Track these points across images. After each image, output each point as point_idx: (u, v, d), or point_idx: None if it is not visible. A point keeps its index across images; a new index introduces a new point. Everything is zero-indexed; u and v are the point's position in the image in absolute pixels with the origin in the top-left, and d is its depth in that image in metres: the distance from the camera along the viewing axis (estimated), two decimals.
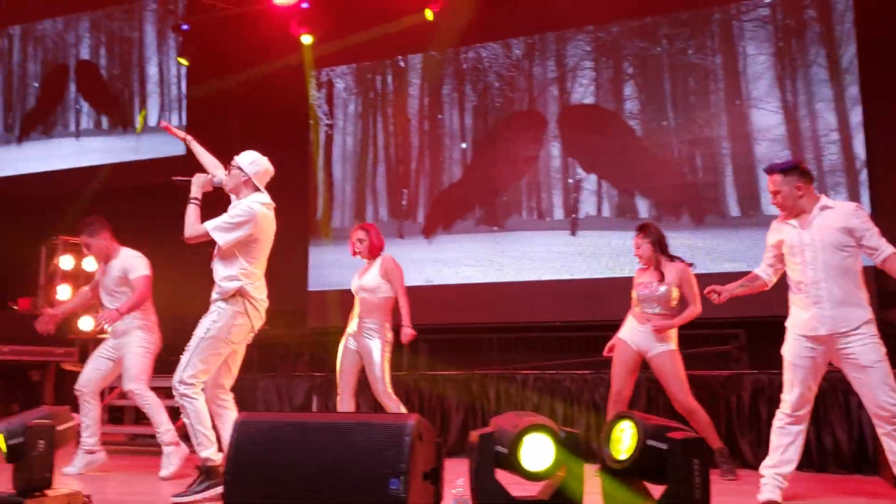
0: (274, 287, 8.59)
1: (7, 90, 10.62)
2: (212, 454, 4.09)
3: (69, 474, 5.02)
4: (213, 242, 4.13)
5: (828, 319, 3.65)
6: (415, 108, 8.58)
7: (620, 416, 3.11)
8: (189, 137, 4.74)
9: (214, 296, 4.16)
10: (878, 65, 6.81)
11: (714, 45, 7.42)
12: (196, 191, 4.16)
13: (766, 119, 7.08)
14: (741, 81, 7.24)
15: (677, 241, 7.05)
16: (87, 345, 8.20)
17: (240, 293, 4.11)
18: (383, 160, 8.67)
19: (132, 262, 5.17)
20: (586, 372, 5.88)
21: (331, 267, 8.42)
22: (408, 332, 5.01)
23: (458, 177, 8.26)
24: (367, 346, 4.98)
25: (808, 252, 3.71)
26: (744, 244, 6.95)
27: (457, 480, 3.42)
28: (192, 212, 4.11)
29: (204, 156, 4.69)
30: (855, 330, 3.63)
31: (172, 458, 4.96)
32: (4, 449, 3.63)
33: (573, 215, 7.66)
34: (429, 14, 7.73)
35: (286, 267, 8.75)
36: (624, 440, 3.05)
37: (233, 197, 4.32)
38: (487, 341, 7.61)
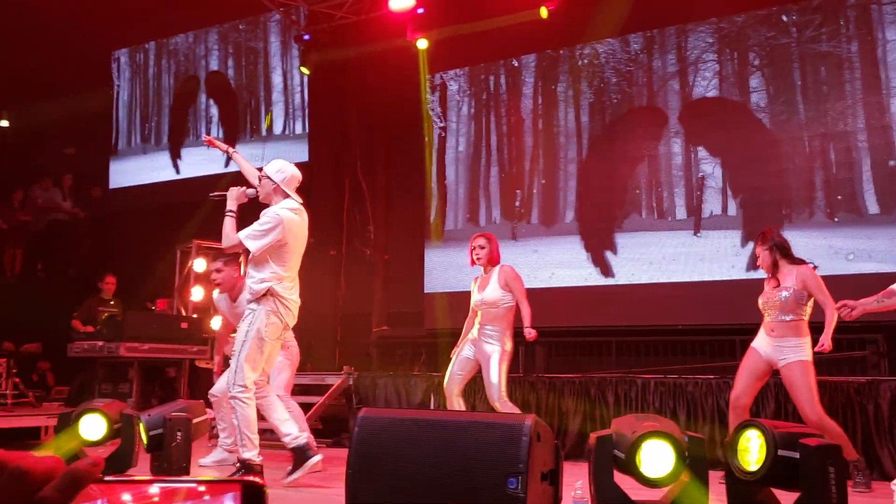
0: (393, 290, 8.88)
1: (144, 102, 11.32)
2: (253, 456, 4.31)
3: (204, 465, 5.29)
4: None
5: None
6: (528, 108, 8.51)
7: (746, 425, 2.97)
8: (232, 150, 4.92)
9: (248, 298, 4.38)
10: None
11: (849, 32, 6.98)
12: (231, 203, 4.37)
13: None
14: (880, 70, 6.78)
15: (809, 241, 6.70)
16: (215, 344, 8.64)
17: (270, 294, 4.28)
18: (496, 161, 8.64)
19: None
20: (711, 377, 5.69)
21: (445, 269, 8.49)
22: (531, 332, 5.03)
23: (573, 176, 8.12)
24: (486, 352, 5.00)
25: None
26: (882, 244, 6.52)
27: (576, 483, 3.37)
28: (228, 223, 4.32)
29: (248, 168, 4.85)
30: None
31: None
32: (145, 439, 3.88)
33: (696, 214, 7.38)
34: (543, 12, 7.67)
35: (405, 270, 8.95)
36: (752, 450, 2.91)
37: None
38: (606, 345, 7.47)
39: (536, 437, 2.89)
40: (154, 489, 0.56)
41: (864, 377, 5.33)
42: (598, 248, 7.79)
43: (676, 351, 7.09)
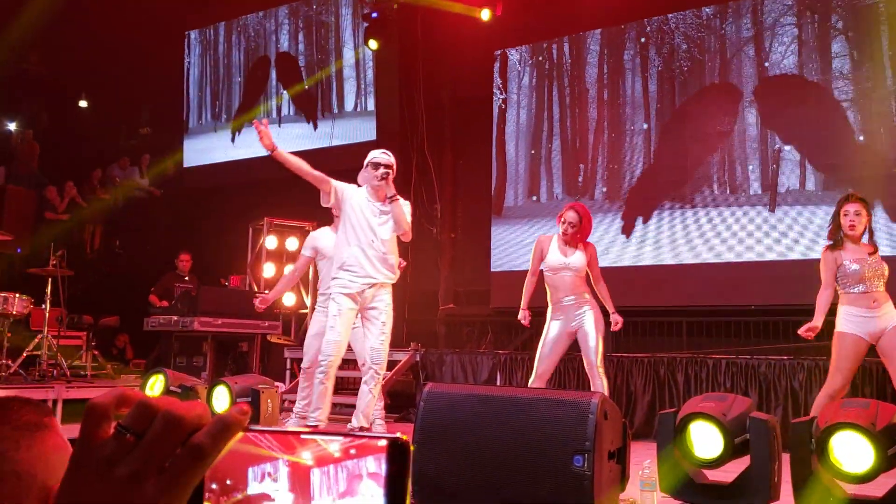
0: (459, 268, 8.88)
1: (214, 79, 11.50)
2: None
3: None
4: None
5: None
6: (593, 77, 8.22)
7: (840, 426, 2.69)
8: (277, 148, 4.58)
9: (385, 280, 4.64)
10: None
11: None
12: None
13: None
14: None
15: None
16: (290, 319, 8.83)
17: None
18: (558, 134, 8.36)
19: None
20: (785, 357, 5.53)
21: (508, 246, 8.42)
22: (618, 319, 5.06)
23: (640, 150, 7.84)
24: (584, 320, 4.94)
25: None
26: None
27: (644, 462, 3.33)
28: (406, 208, 4.64)
29: (295, 163, 4.63)
30: None
31: (384, 427, 5.40)
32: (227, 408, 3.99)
33: (772, 189, 7.11)
34: None
35: (471, 248, 8.95)
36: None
37: (371, 194, 4.67)
38: (676, 325, 7.32)
39: (604, 415, 2.86)
40: (311, 442, 0.57)
41: None
42: (668, 225, 7.60)
43: (749, 332, 6.90)
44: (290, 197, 9.65)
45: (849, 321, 4.36)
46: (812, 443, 2.68)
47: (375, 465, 0.55)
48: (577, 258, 5.01)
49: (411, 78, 9.27)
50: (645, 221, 7.71)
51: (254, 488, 0.57)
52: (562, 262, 5.02)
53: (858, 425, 2.56)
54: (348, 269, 4.59)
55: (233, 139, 10.92)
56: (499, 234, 8.50)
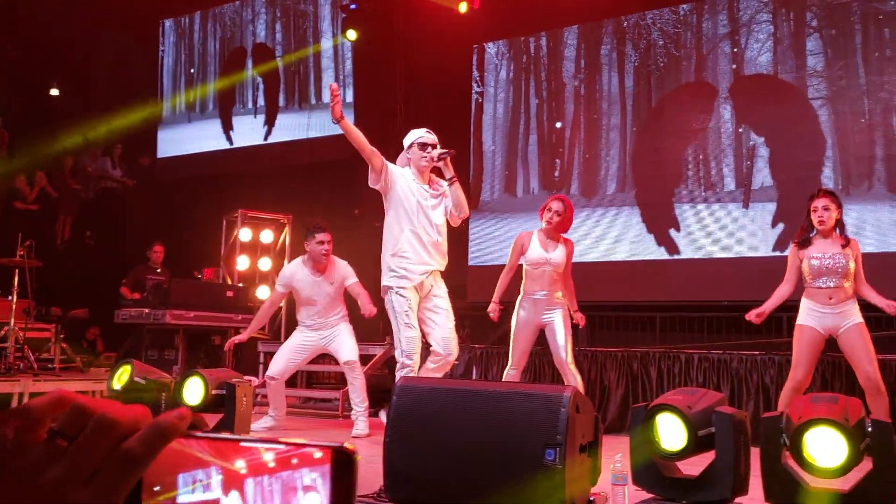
0: None
1: (189, 70, 11.36)
2: None
3: (256, 431, 5.44)
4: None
5: None
6: (570, 71, 8.23)
7: (815, 422, 2.68)
8: (344, 118, 4.40)
9: (439, 267, 4.43)
10: None
11: None
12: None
13: None
14: None
15: (868, 216, 6.47)
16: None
17: None
18: (535, 128, 8.36)
19: (350, 270, 5.67)
20: (756, 353, 5.59)
21: (485, 240, 8.41)
22: (579, 317, 5.15)
23: (616, 145, 7.87)
24: (553, 318, 5.02)
25: None
26: None
27: (615, 456, 3.33)
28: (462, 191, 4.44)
29: (357, 137, 4.46)
30: None
31: (366, 424, 5.41)
32: (201, 398, 3.95)
33: (746, 186, 7.16)
34: None
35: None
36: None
37: (417, 177, 4.43)
38: (651, 320, 7.36)
39: (576, 408, 2.85)
40: (251, 450, 0.54)
41: None
42: (643, 220, 7.64)
43: (722, 327, 6.96)
44: (266, 189, 9.60)
45: (806, 314, 4.48)
46: (783, 438, 2.69)
47: (311, 478, 0.51)
48: (559, 253, 5.06)
49: (390, 70, 9.21)
50: (620, 217, 7.74)
51: (184, 496, 0.54)
52: (543, 256, 5.06)
53: (834, 421, 2.57)
54: (403, 256, 4.33)
55: (227, 133, 10.76)
56: (476, 228, 8.48)
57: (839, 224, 4.50)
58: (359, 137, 4.32)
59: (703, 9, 7.53)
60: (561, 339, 5.02)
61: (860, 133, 6.70)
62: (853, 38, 6.81)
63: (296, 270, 5.61)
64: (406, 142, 4.43)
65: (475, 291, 8.21)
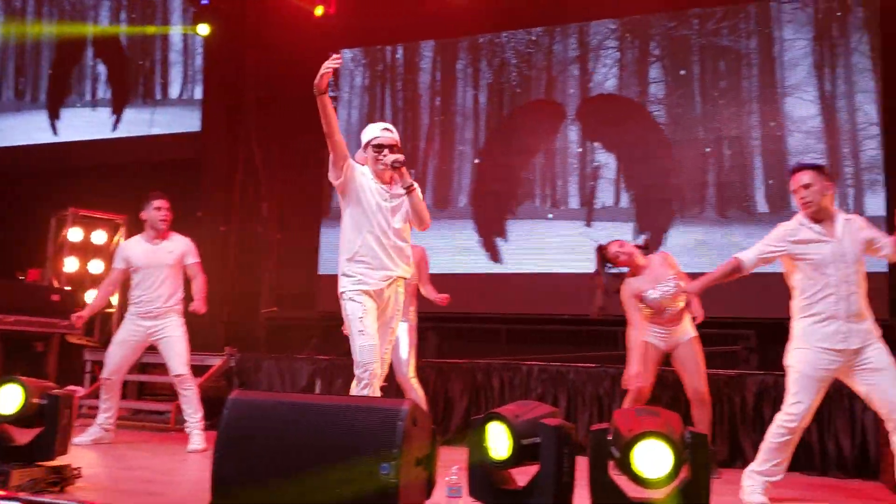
0: (285, 270, 8.63)
1: (19, 53, 10.49)
2: None
3: (80, 444, 5.13)
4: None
5: (861, 332, 3.67)
6: (426, 83, 8.30)
7: (646, 434, 2.79)
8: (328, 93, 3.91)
9: (402, 273, 4.04)
10: None
11: (749, 28, 7.10)
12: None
13: (802, 109, 6.78)
14: (776, 67, 6.94)
15: (698, 236, 6.91)
16: (93, 318, 8.20)
17: None
18: None
19: (193, 247, 5.43)
20: (591, 365, 5.82)
21: (335, 250, 8.26)
22: (441, 297, 5.11)
23: (468, 158, 8.02)
24: (399, 331, 4.85)
25: (842, 265, 3.70)
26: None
27: (452, 468, 3.34)
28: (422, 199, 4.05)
29: (332, 116, 3.97)
30: (874, 339, 3.70)
31: (202, 439, 5.18)
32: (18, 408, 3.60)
33: (589, 205, 7.47)
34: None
35: (298, 250, 8.72)
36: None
37: (376, 177, 4.06)
38: (495, 332, 7.51)
39: (413, 422, 2.83)
40: None
41: (733, 371, 5.56)
42: (492, 234, 7.80)
43: (562, 340, 7.20)
44: (100, 187, 9.00)
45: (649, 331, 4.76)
46: (610, 449, 2.78)
47: None
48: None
49: (242, 69, 8.93)
50: (471, 229, 7.86)
51: None
52: None
53: (662, 433, 2.70)
54: (361, 261, 3.95)
55: (52, 125, 9.99)
56: (327, 235, 8.35)
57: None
58: (333, 119, 3.87)
59: (555, 32, 7.81)
60: (404, 354, 5.02)
61: (694, 160, 7.15)
62: (691, 69, 7.29)
63: (133, 242, 5.44)
64: (363, 139, 4.06)
65: (325, 301, 8.07)
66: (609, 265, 4.85)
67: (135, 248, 5.39)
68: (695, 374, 4.63)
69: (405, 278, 4.05)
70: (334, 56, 3.74)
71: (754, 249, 3.91)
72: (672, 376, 5.10)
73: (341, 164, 3.94)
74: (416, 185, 3.99)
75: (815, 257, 3.72)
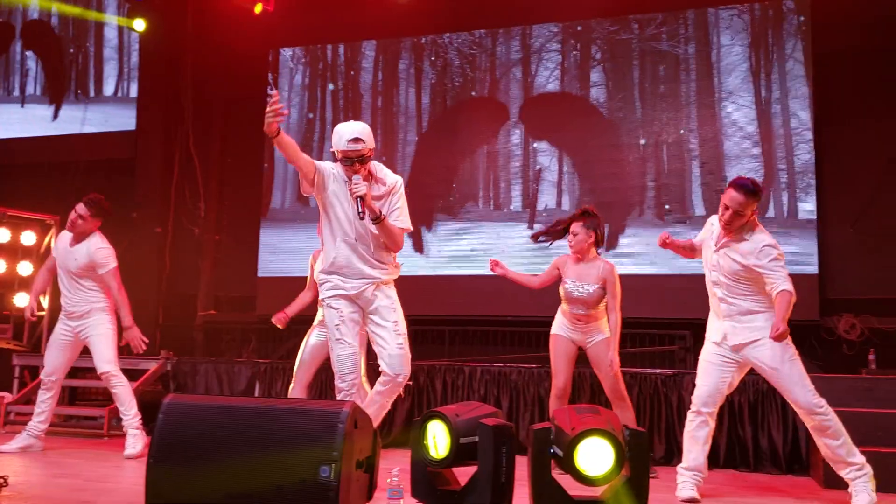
0: (223, 272, 8.46)
1: None
2: None
3: (7, 451, 5.00)
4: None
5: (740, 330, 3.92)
6: (368, 83, 8.23)
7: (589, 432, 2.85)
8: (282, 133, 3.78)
9: (386, 277, 3.93)
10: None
11: (688, 33, 7.24)
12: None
13: (738, 114, 6.93)
14: (713, 73, 7.08)
15: (637, 239, 7.01)
16: (21, 322, 7.92)
17: None
18: (330, 137, 8.29)
19: (103, 258, 5.10)
20: (533, 366, 5.87)
21: (275, 251, 8.16)
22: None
23: (410, 159, 7.97)
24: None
25: (715, 273, 4.01)
26: None
27: (393, 470, 3.32)
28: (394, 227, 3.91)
29: (293, 147, 3.92)
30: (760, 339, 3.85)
31: (138, 440, 5.06)
32: None
33: (532, 207, 7.52)
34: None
35: (237, 252, 8.57)
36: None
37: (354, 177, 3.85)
38: (440, 333, 7.50)
39: (354, 424, 2.81)
40: None
41: (670, 370, 5.67)
42: (434, 236, 7.79)
43: (505, 341, 7.24)
44: (30, 186, 8.71)
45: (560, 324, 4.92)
46: (553, 448, 2.80)
47: None
48: None
49: (179, 66, 8.73)
50: (413, 232, 7.82)
51: None
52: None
53: (605, 431, 2.73)
54: (338, 271, 3.83)
55: None
56: (267, 237, 8.22)
57: (596, 246, 4.88)
58: (293, 152, 3.77)
59: (498, 34, 7.84)
60: None
61: (634, 164, 7.26)
62: (632, 72, 7.40)
63: (61, 238, 5.32)
64: (333, 141, 3.87)
65: (264, 304, 7.93)
66: (568, 235, 4.87)
67: (59, 245, 5.30)
68: (608, 374, 4.70)
69: (388, 283, 3.95)
70: (271, 98, 3.62)
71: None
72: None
73: (311, 178, 3.86)
74: (383, 214, 3.83)
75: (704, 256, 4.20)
